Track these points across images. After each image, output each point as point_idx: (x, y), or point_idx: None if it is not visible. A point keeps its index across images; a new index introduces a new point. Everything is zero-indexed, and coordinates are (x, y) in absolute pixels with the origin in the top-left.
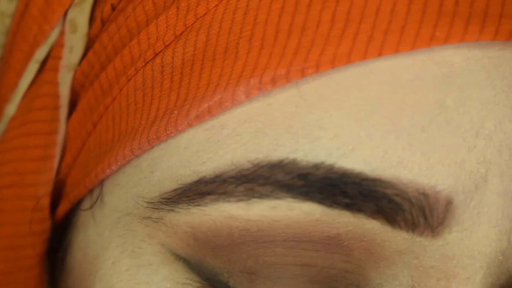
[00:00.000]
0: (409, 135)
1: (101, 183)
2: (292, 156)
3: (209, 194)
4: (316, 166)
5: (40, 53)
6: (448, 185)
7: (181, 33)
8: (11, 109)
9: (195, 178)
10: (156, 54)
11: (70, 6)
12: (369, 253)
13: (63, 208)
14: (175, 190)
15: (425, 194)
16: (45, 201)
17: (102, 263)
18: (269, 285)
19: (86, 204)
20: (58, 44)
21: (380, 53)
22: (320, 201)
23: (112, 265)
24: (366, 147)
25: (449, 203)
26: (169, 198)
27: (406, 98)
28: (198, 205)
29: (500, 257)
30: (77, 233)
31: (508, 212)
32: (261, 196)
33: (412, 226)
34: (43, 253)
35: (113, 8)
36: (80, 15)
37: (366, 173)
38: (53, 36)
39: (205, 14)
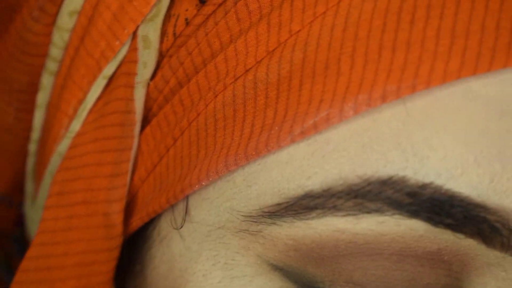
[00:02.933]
0: None
1: (185, 197)
2: (401, 173)
3: (316, 208)
4: (425, 186)
5: (109, 69)
6: None
7: (274, 50)
8: (76, 125)
9: (300, 192)
10: (247, 70)
11: (142, 22)
12: (463, 264)
13: (137, 222)
14: (278, 204)
15: None
16: (119, 217)
17: (192, 275)
18: None
19: (167, 218)
20: (129, 60)
21: (489, 68)
22: (426, 220)
23: (203, 277)
24: (473, 172)
25: None
26: (272, 212)
27: (511, 127)
28: (304, 219)
29: None
30: (159, 247)
31: None
32: (370, 211)
33: (506, 248)
34: (114, 268)
35: (187, 22)
36: (152, 30)
37: (473, 198)
38: (123, 52)
39: (299, 30)
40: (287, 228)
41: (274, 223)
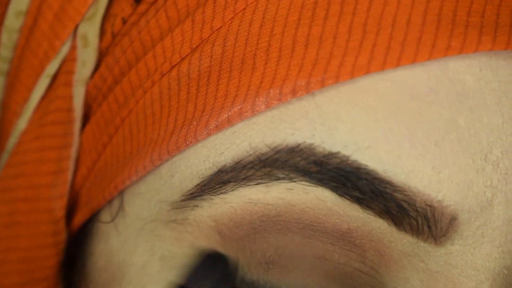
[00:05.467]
0: (423, 146)
1: (120, 193)
2: (309, 141)
3: (229, 181)
4: (332, 155)
5: (51, 68)
6: (455, 202)
7: (197, 46)
8: (22, 123)
9: (215, 169)
10: (173, 67)
11: (80, 21)
12: (380, 254)
13: (79, 219)
14: (197, 185)
15: (431, 206)
16: (60, 214)
17: (130, 267)
18: (285, 274)
19: (105, 214)
20: (69, 59)
21: (398, 64)
22: (333, 189)
23: (142, 268)
24: (381, 148)
25: (453, 218)
26: (192, 194)
27: (422, 110)
28: (220, 194)
29: (505, 271)
30: (98, 243)
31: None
32: (279, 178)
33: (416, 232)
34: (58, 264)
35: (124, 22)
36: (91, 30)
37: (378, 173)
38: (64, 51)
39: (220, 27)
40: (208, 208)
41: (196, 206)
